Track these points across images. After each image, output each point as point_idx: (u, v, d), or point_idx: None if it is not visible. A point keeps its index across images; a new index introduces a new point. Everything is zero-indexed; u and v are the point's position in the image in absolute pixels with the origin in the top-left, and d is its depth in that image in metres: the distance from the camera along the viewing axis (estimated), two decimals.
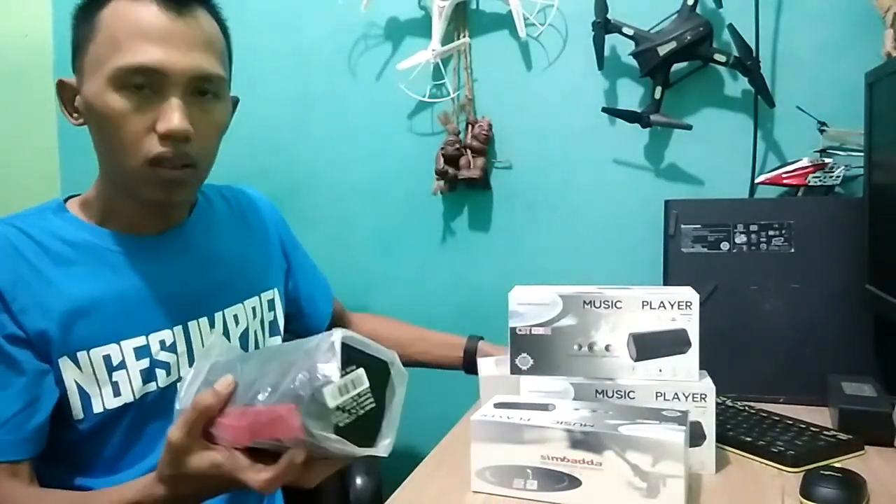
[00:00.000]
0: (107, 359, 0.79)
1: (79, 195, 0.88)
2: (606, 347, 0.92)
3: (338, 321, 1.16)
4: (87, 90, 0.78)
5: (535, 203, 1.45)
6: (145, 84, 0.75)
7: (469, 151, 1.43)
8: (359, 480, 1.12)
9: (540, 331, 0.94)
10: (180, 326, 0.85)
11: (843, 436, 0.94)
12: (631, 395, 0.90)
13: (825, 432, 0.96)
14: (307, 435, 0.59)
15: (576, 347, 0.92)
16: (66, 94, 0.82)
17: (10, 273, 0.76)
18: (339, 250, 1.57)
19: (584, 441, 0.78)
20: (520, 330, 0.94)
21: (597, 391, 0.91)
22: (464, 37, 1.44)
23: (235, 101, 0.90)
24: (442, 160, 1.44)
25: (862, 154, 1.15)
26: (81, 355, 0.78)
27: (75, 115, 0.82)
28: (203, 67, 0.78)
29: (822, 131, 1.24)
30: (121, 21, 0.76)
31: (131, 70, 0.75)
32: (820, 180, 1.22)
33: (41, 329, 0.76)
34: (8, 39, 1.63)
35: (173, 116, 0.75)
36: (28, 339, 0.76)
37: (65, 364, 0.77)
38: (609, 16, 1.31)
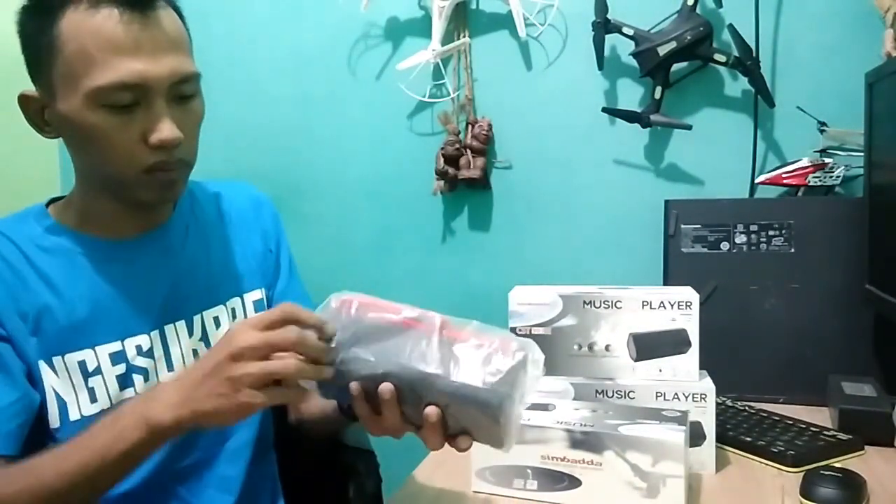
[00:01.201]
0: (82, 364, 0.78)
1: (61, 199, 0.87)
2: (606, 347, 0.92)
3: None
4: (62, 106, 0.76)
5: (535, 203, 1.45)
6: (128, 99, 0.74)
7: (469, 151, 1.43)
8: (359, 480, 1.12)
9: (540, 331, 0.94)
10: (157, 331, 0.84)
11: (843, 436, 0.94)
12: (631, 395, 0.90)
13: (825, 432, 0.96)
14: (523, 356, 0.62)
15: (576, 347, 0.93)
16: (31, 107, 0.79)
17: None
18: (339, 250, 1.57)
19: (584, 441, 0.78)
20: (520, 330, 0.94)
21: (597, 391, 0.91)
22: (464, 37, 1.44)
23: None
24: (442, 160, 1.44)
25: (862, 154, 1.15)
26: (57, 360, 0.77)
27: (47, 128, 0.80)
28: (181, 70, 0.76)
29: (822, 131, 1.24)
30: (87, 35, 0.72)
31: (113, 87, 0.72)
32: (820, 180, 1.22)
33: (19, 332, 0.76)
34: (8, 39, 1.63)
35: (163, 127, 0.74)
36: (9, 338, 0.76)
37: (43, 369, 0.77)
38: (609, 16, 1.31)
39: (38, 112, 0.79)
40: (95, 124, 0.74)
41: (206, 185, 0.97)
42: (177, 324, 0.85)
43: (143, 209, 0.84)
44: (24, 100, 0.80)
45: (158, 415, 0.65)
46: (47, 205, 0.86)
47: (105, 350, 0.80)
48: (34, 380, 0.77)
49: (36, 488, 0.68)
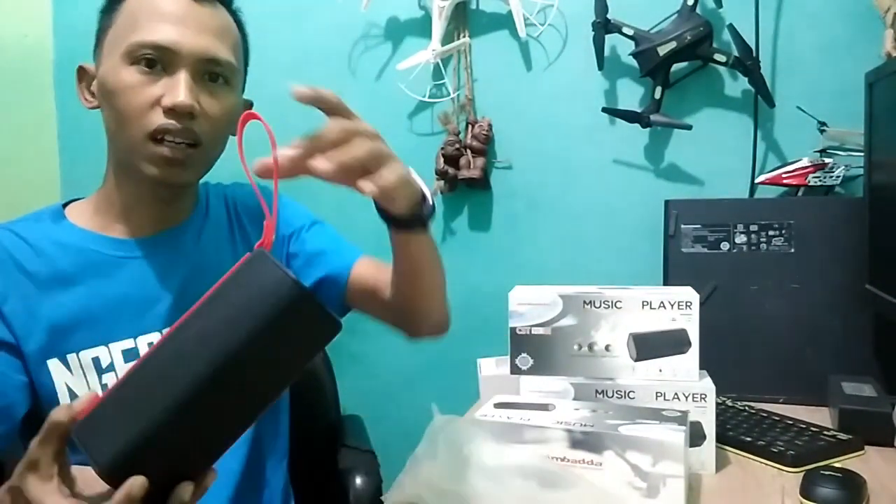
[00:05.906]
0: (96, 361, 0.80)
1: (80, 199, 0.89)
2: (606, 347, 0.92)
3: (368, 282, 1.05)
4: (102, 70, 0.81)
5: (535, 203, 1.45)
6: (156, 60, 0.78)
7: (469, 151, 1.43)
8: (359, 480, 1.13)
9: (540, 331, 0.94)
10: (168, 329, 0.85)
11: (843, 436, 0.94)
12: (631, 395, 0.90)
13: (825, 432, 0.96)
14: None
15: (576, 347, 0.92)
16: (84, 79, 0.85)
17: (3, 278, 0.78)
18: None
19: (584, 441, 0.78)
20: (520, 330, 0.94)
21: (597, 391, 0.91)
22: (464, 37, 1.44)
23: (249, 105, 0.93)
24: (442, 160, 1.44)
25: (862, 154, 1.15)
26: (71, 357, 0.79)
27: (89, 98, 0.85)
28: (212, 50, 0.81)
29: (822, 131, 1.24)
30: (142, 6, 0.80)
31: (145, 45, 0.78)
32: (820, 180, 1.22)
33: (30, 333, 0.77)
34: (8, 39, 1.64)
35: (178, 91, 0.78)
36: (15, 345, 0.76)
37: (55, 366, 0.78)
38: (609, 16, 1.31)
39: (88, 84, 0.85)
40: (122, 80, 0.78)
41: (215, 187, 0.99)
42: None
43: (149, 186, 0.83)
44: (80, 71, 0.85)
45: None
46: (64, 206, 0.88)
47: (119, 347, 0.81)
48: (40, 379, 0.77)
49: None
